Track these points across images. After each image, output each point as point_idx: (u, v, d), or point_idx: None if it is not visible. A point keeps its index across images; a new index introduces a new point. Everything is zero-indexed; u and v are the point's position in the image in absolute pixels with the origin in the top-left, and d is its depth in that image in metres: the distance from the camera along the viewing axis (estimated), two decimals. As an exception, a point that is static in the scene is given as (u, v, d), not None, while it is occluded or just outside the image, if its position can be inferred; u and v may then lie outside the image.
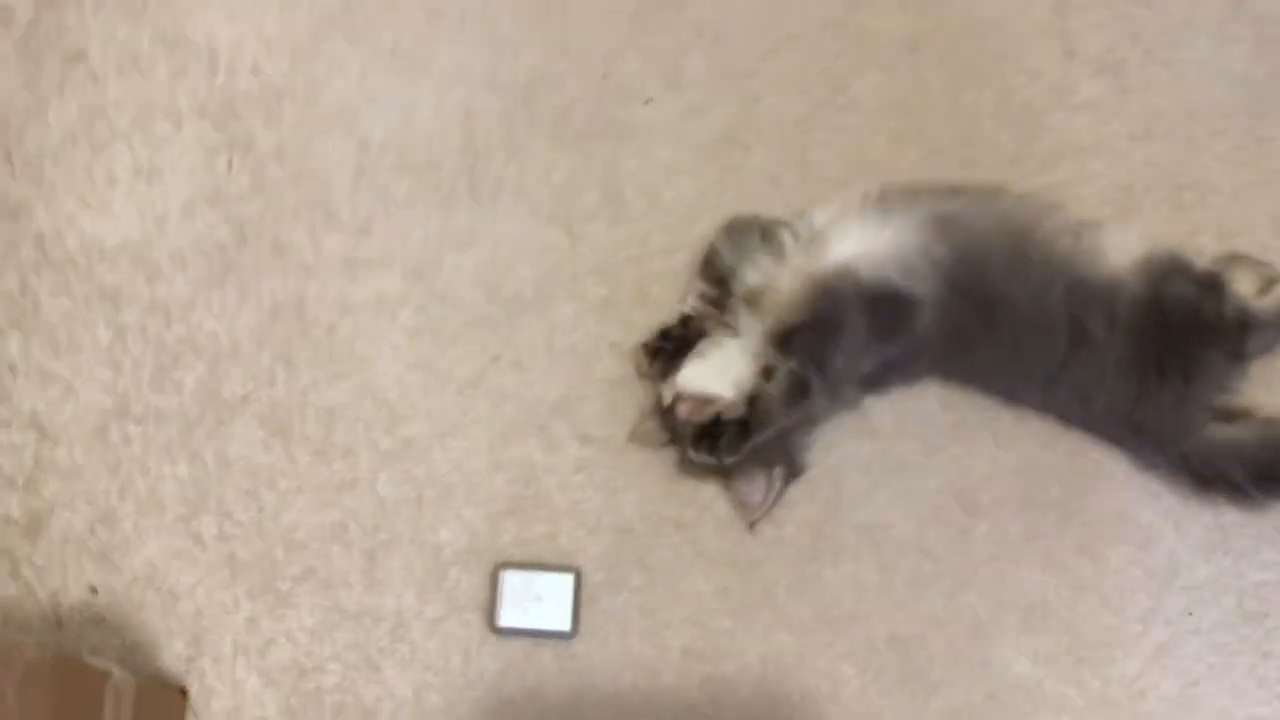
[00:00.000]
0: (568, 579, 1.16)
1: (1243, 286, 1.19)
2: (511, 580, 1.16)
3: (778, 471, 1.16)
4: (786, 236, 1.18)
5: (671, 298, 1.26)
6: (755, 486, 1.16)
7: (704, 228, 1.29)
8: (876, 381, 1.18)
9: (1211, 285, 1.18)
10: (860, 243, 1.15)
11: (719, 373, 1.13)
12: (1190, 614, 1.20)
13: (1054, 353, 1.15)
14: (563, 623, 1.16)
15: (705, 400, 1.11)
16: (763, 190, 1.31)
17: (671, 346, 1.16)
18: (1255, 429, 1.18)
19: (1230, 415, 1.18)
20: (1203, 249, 1.23)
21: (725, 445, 1.12)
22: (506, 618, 1.15)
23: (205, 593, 1.19)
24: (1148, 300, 1.15)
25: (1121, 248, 1.18)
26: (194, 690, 1.17)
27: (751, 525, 1.18)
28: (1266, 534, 1.21)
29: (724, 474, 1.18)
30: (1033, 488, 1.22)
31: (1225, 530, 1.21)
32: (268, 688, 1.16)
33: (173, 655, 1.17)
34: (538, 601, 1.15)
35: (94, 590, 1.18)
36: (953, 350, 1.18)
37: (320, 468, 1.22)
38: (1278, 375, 1.23)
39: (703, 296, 1.18)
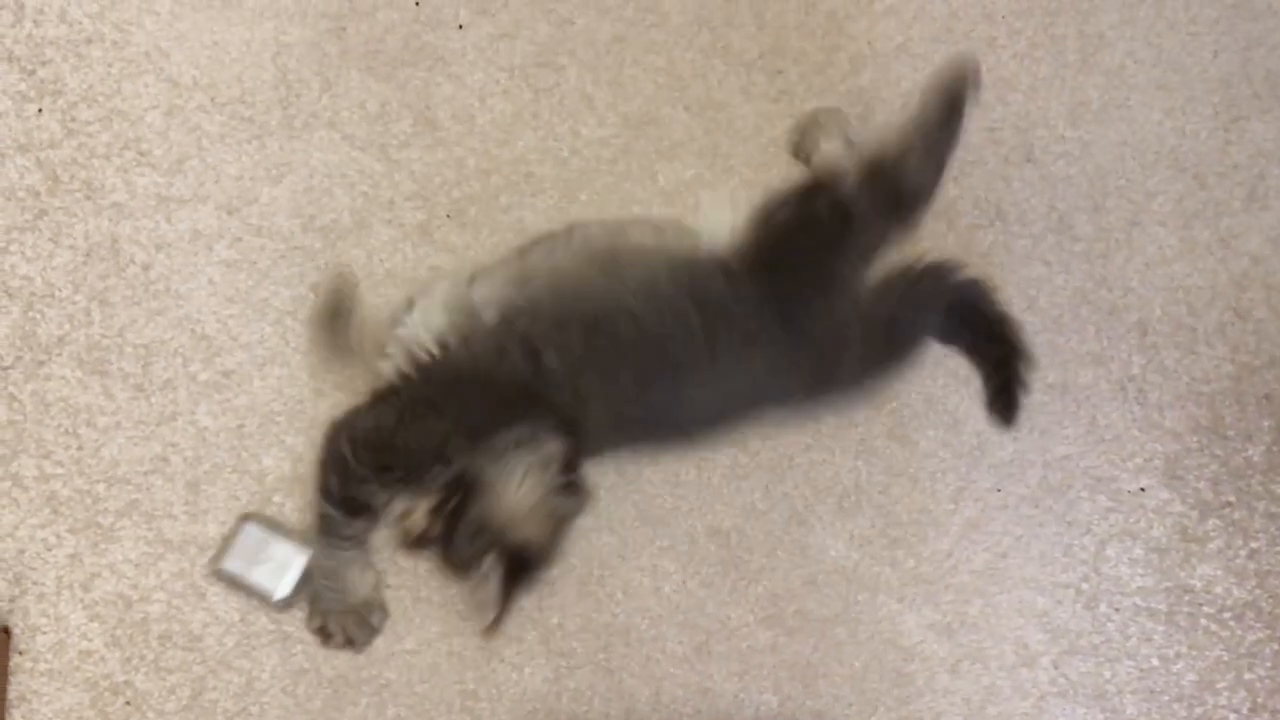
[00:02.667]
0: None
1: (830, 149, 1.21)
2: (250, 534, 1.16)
3: (489, 562, 1.10)
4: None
5: (490, 218, 1.28)
6: (480, 585, 1.11)
7: (520, 149, 1.31)
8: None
9: (807, 192, 1.16)
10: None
11: None
12: (998, 490, 1.24)
13: (698, 347, 1.11)
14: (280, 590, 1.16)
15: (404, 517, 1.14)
16: (577, 110, 1.33)
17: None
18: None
19: None
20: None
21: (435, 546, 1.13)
22: (231, 564, 1.16)
23: (27, 532, 1.18)
24: (757, 246, 1.13)
25: (715, 219, 1.17)
26: (17, 629, 1.16)
27: (486, 632, 1.12)
28: (1069, 410, 1.25)
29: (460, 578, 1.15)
30: (843, 380, 1.25)
31: (1029, 409, 1.25)
32: (92, 621, 1.16)
33: (-5, 596, 1.16)
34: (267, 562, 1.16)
35: (-88, 537, 1.17)
36: (612, 408, 1.13)
37: (139, 403, 1.22)
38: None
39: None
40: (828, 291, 1.12)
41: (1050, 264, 1.30)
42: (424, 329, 1.10)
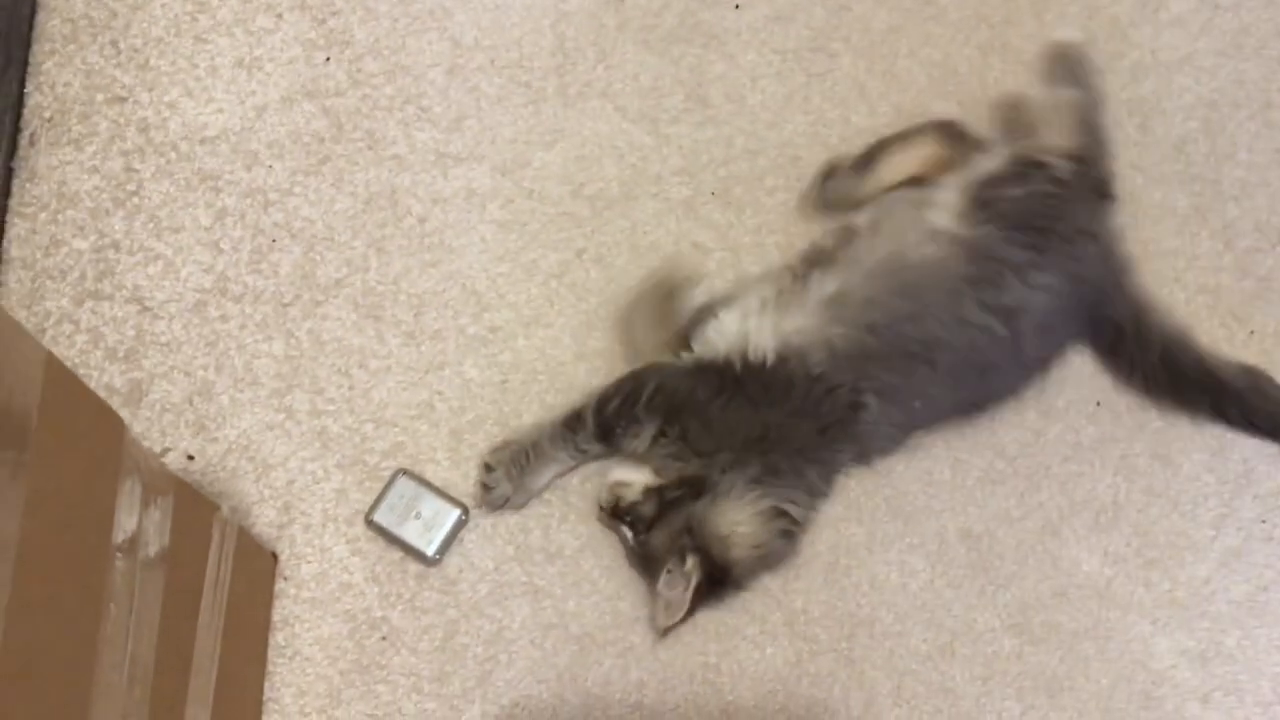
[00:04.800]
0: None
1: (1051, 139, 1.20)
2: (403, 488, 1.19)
3: (692, 563, 1.11)
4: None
5: (754, 199, 1.29)
6: (674, 582, 1.12)
7: (788, 133, 1.31)
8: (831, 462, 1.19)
9: (1029, 163, 1.17)
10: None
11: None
12: (1262, 521, 1.20)
13: (1004, 346, 1.15)
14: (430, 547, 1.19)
15: (620, 484, 1.15)
16: (849, 97, 1.32)
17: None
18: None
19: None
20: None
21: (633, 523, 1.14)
22: (382, 516, 1.19)
23: (297, 464, 1.23)
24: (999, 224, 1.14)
25: (944, 206, 1.17)
26: (284, 556, 1.20)
27: (664, 631, 1.16)
28: (1346, 445, 1.21)
29: (650, 573, 1.16)
30: (1106, 393, 1.23)
31: (1304, 441, 1.21)
32: (354, 556, 1.20)
33: (265, 522, 1.21)
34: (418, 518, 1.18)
35: (190, 458, 1.23)
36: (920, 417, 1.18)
37: (410, 350, 1.26)
38: None
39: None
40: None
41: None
42: (736, 335, 1.15)
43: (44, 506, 0.58)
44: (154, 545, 0.77)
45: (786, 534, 1.14)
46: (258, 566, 1.14)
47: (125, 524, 0.72)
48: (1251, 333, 1.25)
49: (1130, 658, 1.17)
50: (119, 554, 0.70)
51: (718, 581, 1.12)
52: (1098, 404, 1.23)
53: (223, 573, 0.96)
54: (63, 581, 0.64)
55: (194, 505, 0.89)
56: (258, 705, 1.13)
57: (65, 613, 0.64)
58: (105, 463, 0.70)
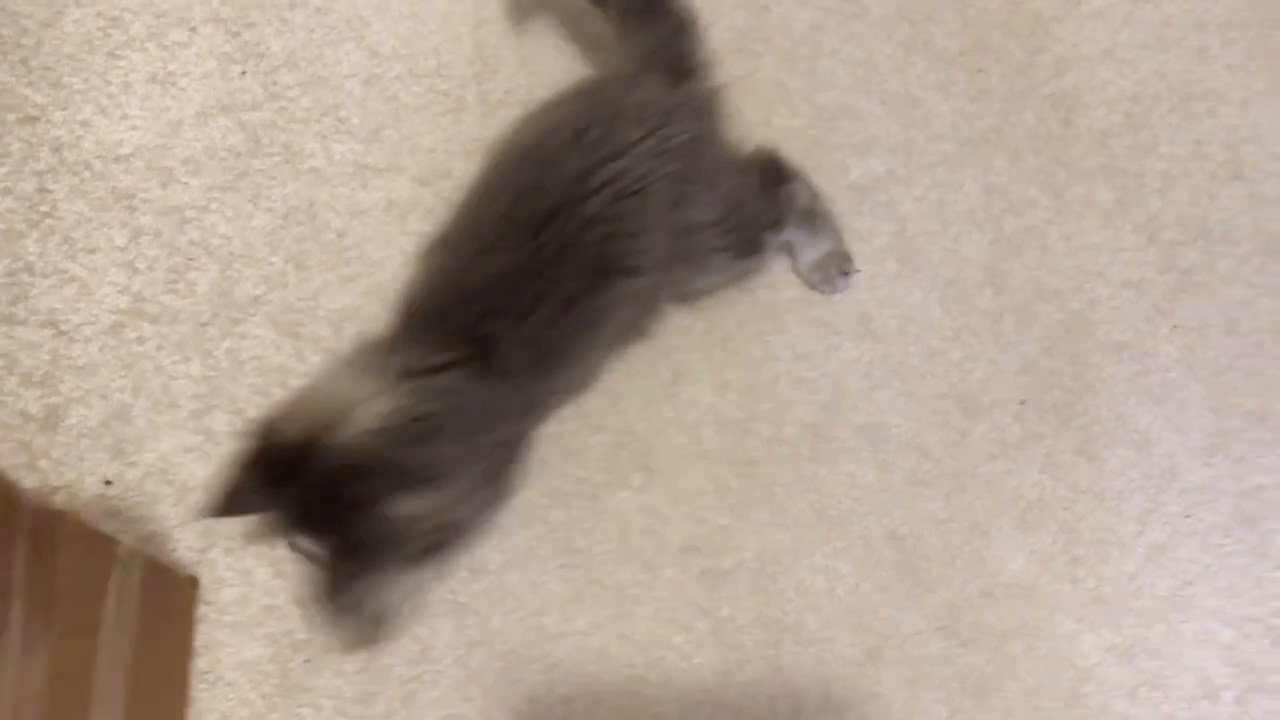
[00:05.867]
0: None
1: None
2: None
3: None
4: None
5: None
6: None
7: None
8: None
9: None
10: None
11: None
12: (1187, 516, 1.20)
13: None
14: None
15: None
16: (772, 99, 1.31)
17: None
18: None
19: None
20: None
21: None
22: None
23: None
24: None
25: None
26: (205, 580, 1.19)
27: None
28: (1266, 439, 1.21)
29: None
30: (1032, 391, 1.23)
31: (1225, 435, 1.22)
32: (277, 578, 1.19)
33: (185, 546, 1.20)
34: None
35: (108, 483, 1.21)
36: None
37: (330, 367, 1.24)
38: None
39: None
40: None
41: (1255, 286, 1.26)
42: None
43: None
44: (38, 591, 0.76)
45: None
46: (175, 594, 1.12)
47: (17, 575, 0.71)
48: (1175, 327, 1.24)
49: (1058, 656, 1.17)
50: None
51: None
52: (1022, 403, 1.22)
53: (125, 606, 0.94)
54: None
55: (90, 543, 0.87)
56: (179, 733, 1.11)
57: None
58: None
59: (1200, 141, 1.29)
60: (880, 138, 1.30)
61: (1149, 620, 1.18)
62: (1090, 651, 1.17)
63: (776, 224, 1.17)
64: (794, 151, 1.29)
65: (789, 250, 1.23)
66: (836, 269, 1.22)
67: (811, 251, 1.21)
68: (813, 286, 1.23)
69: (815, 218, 1.21)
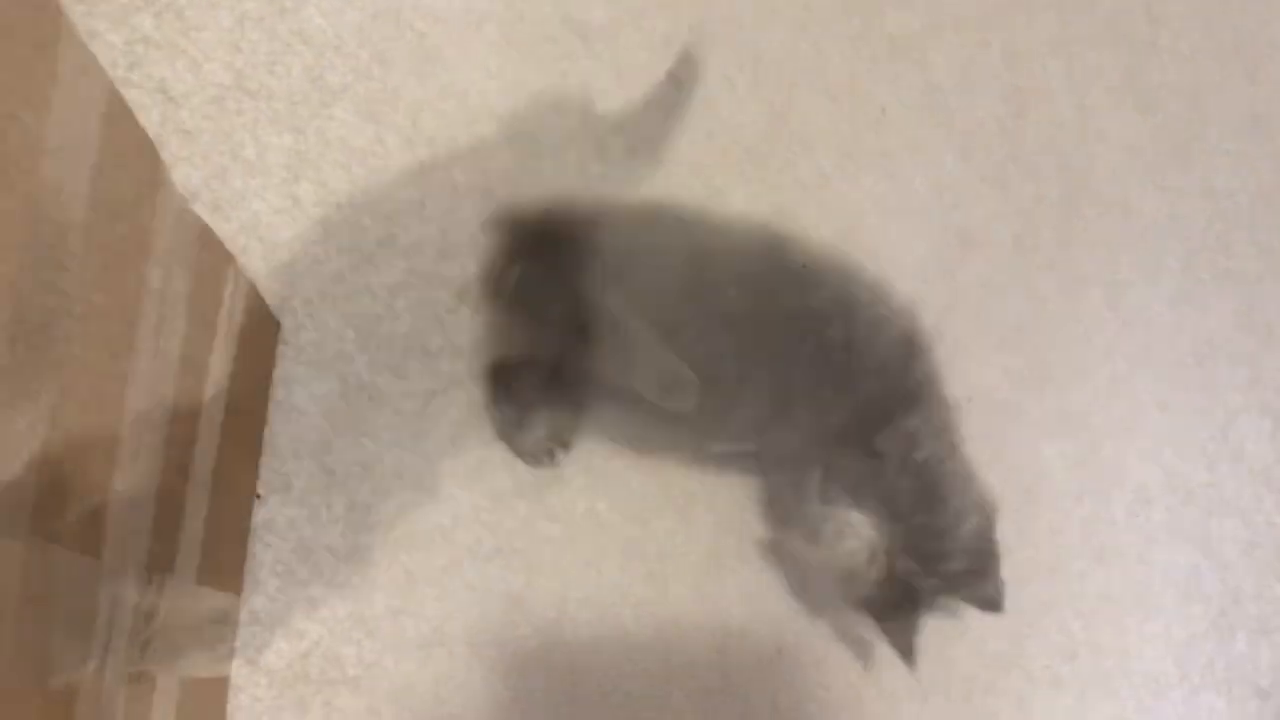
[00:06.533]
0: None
1: None
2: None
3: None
4: None
5: (727, 36, 1.41)
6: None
7: None
8: None
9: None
10: None
11: None
12: (1149, 351, 1.37)
13: None
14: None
15: None
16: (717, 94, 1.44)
17: None
18: None
19: None
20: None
21: None
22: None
23: (301, 246, 1.39)
24: None
25: None
26: (286, 324, 1.37)
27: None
28: (1227, 290, 1.37)
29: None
30: (1024, 231, 1.39)
31: (1192, 286, 1.37)
32: (348, 328, 1.37)
33: (270, 294, 1.37)
34: None
35: (207, 234, 1.38)
36: None
37: (406, 153, 1.41)
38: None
39: None
40: None
41: (1239, 160, 1.41)
42: None
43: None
44: (180, 273, 0.94)
45: None
46: (264, 326, 1.30)
47: (160, 244, 0.88)
48: (1162, 188, 1.39)
49: (1018, 460, 1.34)
50: (154, 264, 0.87)
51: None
52: (1015, 238, 1.38)
53: (234, 319, 1.12)
54: (105, 280, 0.80)
55: (214, 247, 1.05)
56: (258, 447, 1.31)
57: (108, 302, 0.80)
58: (147, 183, 0.86)
59: (1208, 19, 1.42)
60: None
61: (1102, 437, 1.35)
62: (1047, 458, 1.34)
63: None
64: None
65: None
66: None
67: None
68: None
69: None
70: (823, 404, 1.04)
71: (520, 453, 1.32)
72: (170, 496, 0.97)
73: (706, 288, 1.05)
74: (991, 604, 1.09)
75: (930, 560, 1.07)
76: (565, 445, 1.30)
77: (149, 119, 1.37)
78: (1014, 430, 1.34)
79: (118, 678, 0.86)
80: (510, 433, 1.31)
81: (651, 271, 1.06)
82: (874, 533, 1.12)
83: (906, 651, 1.14)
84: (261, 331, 1.30)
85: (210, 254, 1.04)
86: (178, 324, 0.93)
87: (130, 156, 0.83)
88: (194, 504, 1.06)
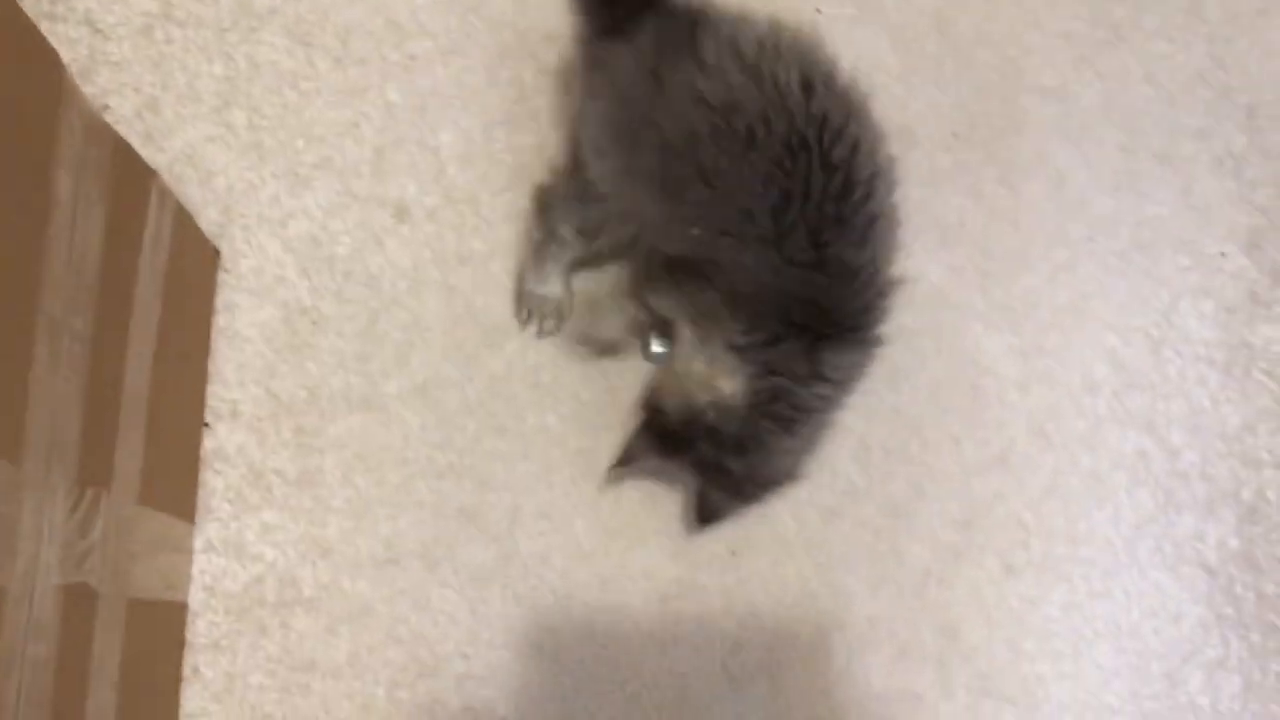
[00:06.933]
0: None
1: None
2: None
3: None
4: None
5: None
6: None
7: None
8: None
9: None
10: None
11: None
12: (1090, 240, 1.37)
13: None
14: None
15: None
16: None
17: None
18: None
19: None
20: None
21: None
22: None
23: (236, 172, 1.38)
24: None
25: None
26: (225, 252, 1.36)
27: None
28: (1166, 177, 1.37)
29: None
30: (964, 126, 1.38)
31: (1131, 173, 1.37)
32: (287, 253, 1.36)
33: (208, 222, 1.37)
34: None
35: (141, 165, 1.37)
36: None
37: (337, 74, 1.39)
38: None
39: None
40: None
41: (1174, 41, 1.40)
42: None
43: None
44: (94, 181, 0.93)
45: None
46: (201, 253, 1.30)
47: (67, 151, 0.87)
48: (1098, 74, 1.39)
49: (962, 353, 1.36)
50: (62, 171, 0.86)
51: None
52: (954, 135, 1.38)
53: (162, 236, 1.11)
54: (8, 185, 0.79)
55: (133, 161, 1.04)
56: (202, 373, 1.31)
57: (12, 208, 0.79)
58: (49, 90, 0.85)
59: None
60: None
61: (1045, 328, 1.35)
62: (991, 350, 1.35)
63: None
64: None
65: None
66: None
67: None
68: None
69: None
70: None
71: (534, 302, 1.33)
72: (100, 411, 0.97)
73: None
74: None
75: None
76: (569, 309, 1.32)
77: (76, 52, 1.35)
78: (958, 324, 1.35)
79: (48, 587, 0.86)
80: (542, 261, 1.30)
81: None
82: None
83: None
84: (198, 258, 1.29)
85: (128, 168, 1.03)
86: (93, 233, 0.93)
87: (30, 64, 0.82)
88: (129, 422, 1.06)
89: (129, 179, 1.02)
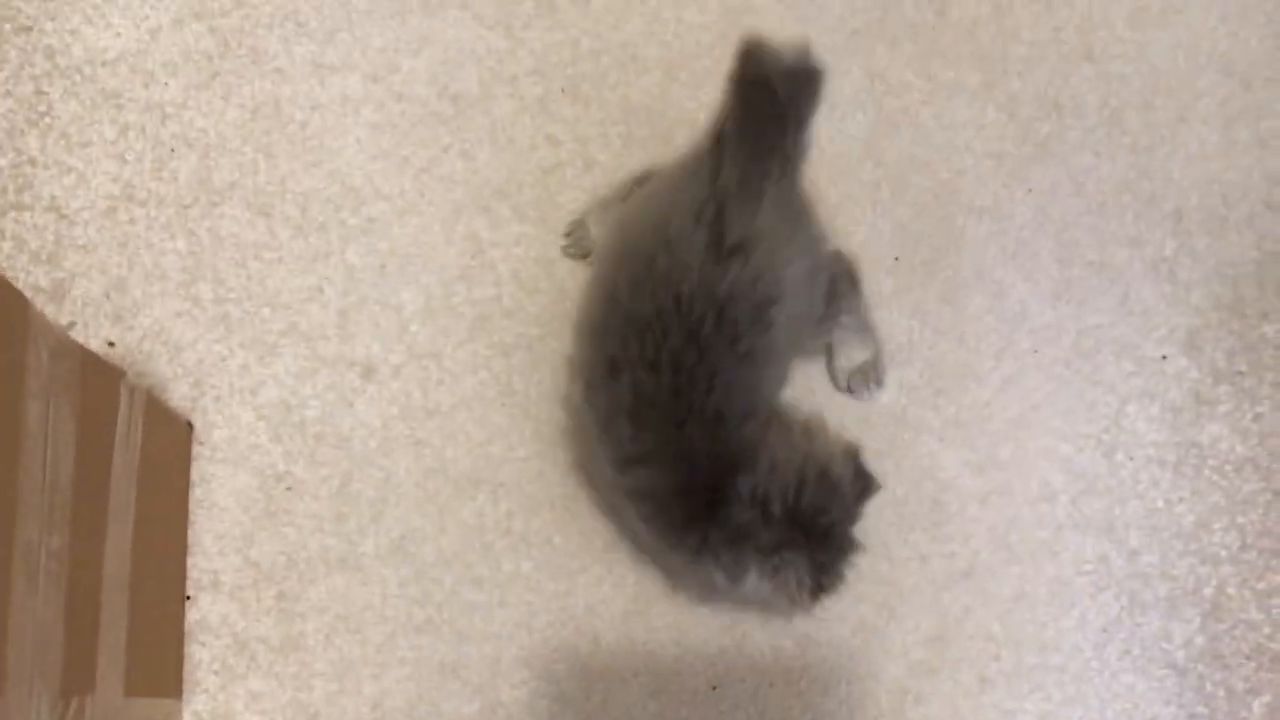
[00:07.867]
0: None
1: None
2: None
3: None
4: None
5: (599, 95, 1.46)
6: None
7: (627, 33, 1.48)
8: None
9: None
10: None
11: None
12: (1035, 351, 1.42)
13: None
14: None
15: None
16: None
17: None
18: None
19: None
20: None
21: None
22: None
23: (205, 345, 1.42)
24: None
25: None
26: (198, 424, 1.40)
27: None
28: (1103, 285, 1.42)
29: None
30: (904, 249, 1.43)
31: (1069, 282, 1.43)
32: (260, 421, 1.40)
33: (179, 396, 1.40)
34: None
35: (111, 344, 1.42)
36: None
37: (298, 241, 1.44)
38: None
39: None
40: None
41: (1099, 154, 1.46)
42: None
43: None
44: (64, 397, 0.97)
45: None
46: (174, 432, 1.33)
47: (35, 382, 0.91)
48: (1029, 190, 1.45)
49: (921, 470, 1.40)
50: (32, 401, 0.89)
51: None
52: (895, 259, 1.43)
53: (133, 432, 1.15)
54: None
55: (100, 368, 1.08)
56: (182, 548, 1.34)
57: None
58: (15, 331, 0.89)
59: (1058, 28, 1.48)
60: (778, 31, 1.47)
61: (999, 440, 1.40)
62: (949, 466, 1.39)
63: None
64: (701, 45, 1.48)
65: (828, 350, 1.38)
66: (872, 378, 1.38)
67: (853, 356, 1.38)
68: (845, 390, 1.39)
69: (865, 327, 1.36)
70: None
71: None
72: (80, 619, 0.99)
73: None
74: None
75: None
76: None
77: (43, 238, 1.40)
78: (915, 442, 1.39)
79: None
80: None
81: None
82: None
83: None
84: (172, 439, 1.33)
85: (98, 377, 1.06)
86: (65, 450, 0.96)
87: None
88: (110, 619, 1.08)
89: (97, 386, 1.06)
